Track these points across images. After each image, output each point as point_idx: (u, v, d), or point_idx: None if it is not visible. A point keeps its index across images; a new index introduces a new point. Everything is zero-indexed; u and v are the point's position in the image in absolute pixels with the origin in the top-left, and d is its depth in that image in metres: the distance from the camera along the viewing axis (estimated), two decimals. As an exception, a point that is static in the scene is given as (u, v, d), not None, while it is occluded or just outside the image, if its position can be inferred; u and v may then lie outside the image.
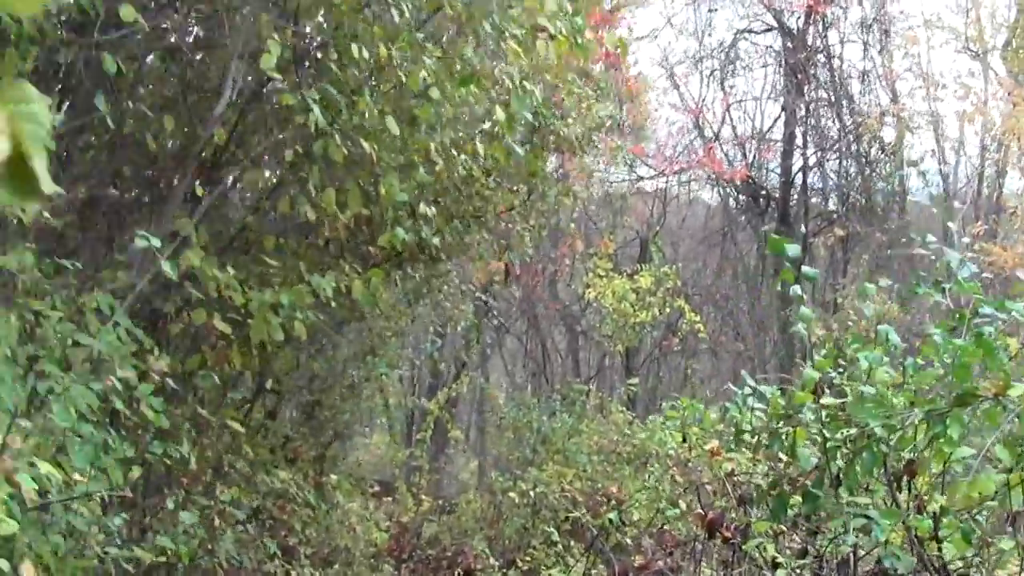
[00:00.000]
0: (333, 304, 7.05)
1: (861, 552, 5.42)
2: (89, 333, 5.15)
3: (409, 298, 12.01)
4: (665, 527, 10.26)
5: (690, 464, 8.44)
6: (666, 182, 24.88)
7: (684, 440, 7.45)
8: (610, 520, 8.81)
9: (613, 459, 14.73)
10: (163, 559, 6.54)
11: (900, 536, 5.01)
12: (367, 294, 7.33)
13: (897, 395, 4.94)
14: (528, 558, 12.98)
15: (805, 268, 4.99)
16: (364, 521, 12.50)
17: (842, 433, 4.91)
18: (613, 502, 12.97)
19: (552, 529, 11.99)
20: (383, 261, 9.05)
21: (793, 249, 4.79)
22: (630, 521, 10.42)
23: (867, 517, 4.72)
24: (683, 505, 8.61)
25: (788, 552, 6.55)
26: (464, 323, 17.86)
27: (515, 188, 10.10)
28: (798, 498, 5.46)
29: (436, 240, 8.42)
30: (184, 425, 6.67)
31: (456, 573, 14.07)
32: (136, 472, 5.48)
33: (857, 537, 4.77)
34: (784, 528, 6.05)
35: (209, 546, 7.12)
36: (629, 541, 9.93)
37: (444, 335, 18.49)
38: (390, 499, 18.26)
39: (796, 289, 5.24)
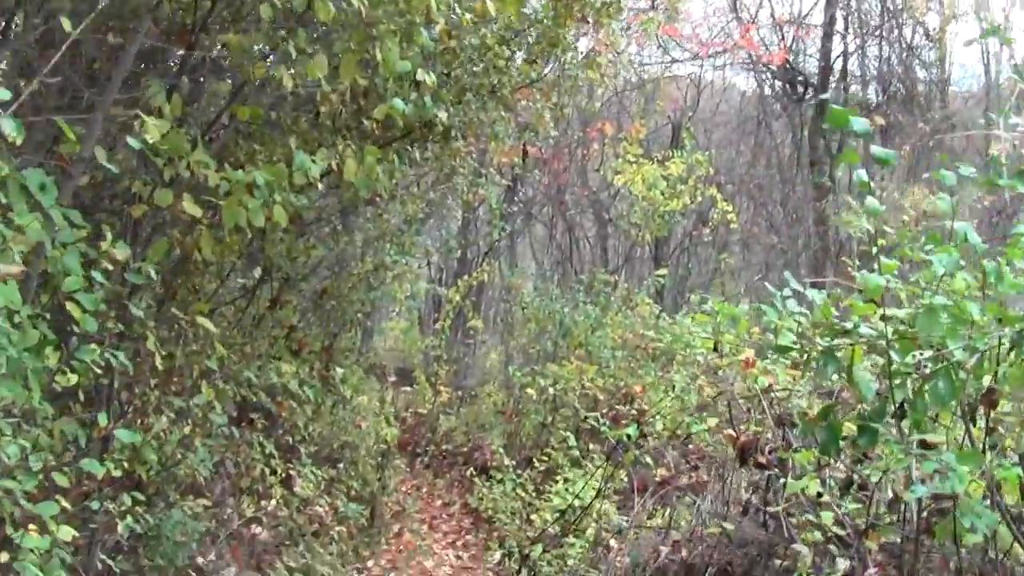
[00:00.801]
0: (320, 185, 6.11)
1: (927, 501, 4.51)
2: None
3: (420, 182, 11.08)
4: (690, 438, 9.42)
5: (720, 372, 7.55)
6: (700, 66, 23.64)
7: (715, 348, 6.50)
8: (628, 436, 7.90)
9: (638, 356, 13.86)
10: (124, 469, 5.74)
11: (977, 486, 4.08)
12: (362, 176, 6.36)
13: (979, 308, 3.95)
14: (545, 458, 12.21)
15: (878, 149, 3.94)
16: (373, 416, 11.70)
17: (914, 356, 3.95)
18: (635, 404, 12.20)
19: (570, 433, 11.14)
20: (389, 141, 8.10)
21: (860, 123, 3.76)
22: (652, 431, 9.59)
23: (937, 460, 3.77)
24: (711, 420, 7.74)
25: (830, 481, 5.68)
26: (488, 209, 16.93)
27: (535, 59, 9.04)
28: (851, 426, 4.54)
29: (443, 115, 7.43)
30: (145, 323, 5.79)
31: (469, 471, 13.36)
32: (72, 379, 4.62)
33: (924, 483, 3.82)
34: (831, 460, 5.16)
35: (179, 455, 6.30)
36: (650, 452, 9.09)
37: (468, 222, 17.56)
38: (408, 388, 17.55)
39: (856, 176, 4.22)
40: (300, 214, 9.74)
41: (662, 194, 17.68)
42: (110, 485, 5.81)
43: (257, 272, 9.26)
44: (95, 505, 5.23)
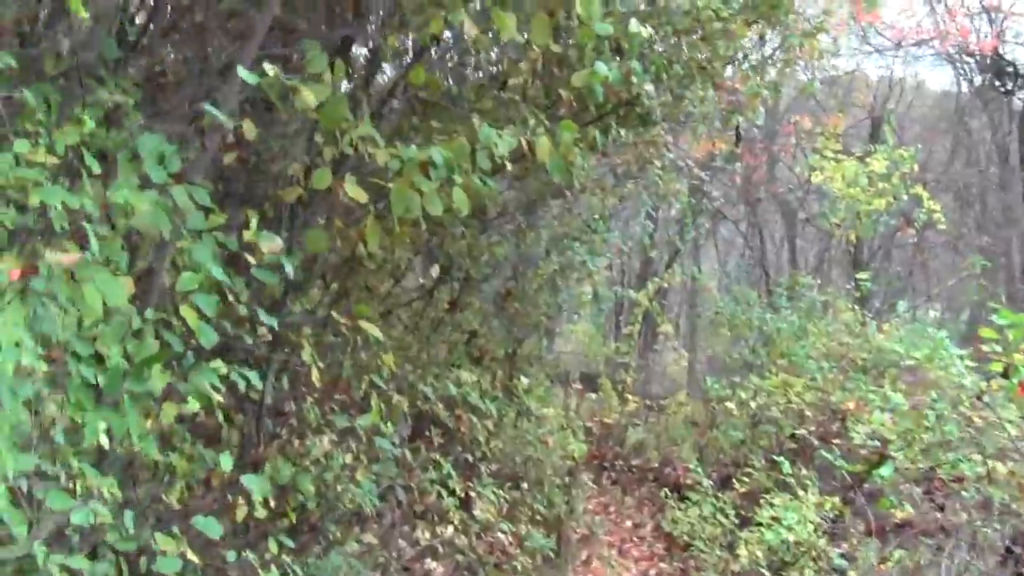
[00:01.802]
0: (508, 167, 4.94)
1: None
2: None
3: (613, 172, 9.86)
4: (934, 471, 7.95)
5: (984, 398, 6.13)
6: (896, 57, 21.80)
7: (1005, 373, 5.07)
8: (881, 476, 6.48)
9: (846, 367, 12.35)
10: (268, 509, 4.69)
11: None
12: (556, 157, 5.17)
13: None
14: (746, 478, 10.85)
15: None
16: (559, 429, 10.52)
17: None
18: (847, 421, 10.75)
19: (782, 458, 9.74)
20: (584, 123, 6.91)
21: None
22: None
23: None
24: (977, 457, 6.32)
25: None
26: (678, 206, 15.58)
27: (752, 21, 7.66)
28: None
29: (649, 87, 6.22)
30: (301, 330, 4.74)
31: (663, 491, 12.06)
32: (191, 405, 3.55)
33: None
34: None
35: (339, 486, 5.21)
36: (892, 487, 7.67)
37: (656, 220, 16.23)
38: (593, 395, 16.33)
39: None
40: (484, 205, 8.68)
41: (863, 192, 16.08)
42: (261, 524, 4.78)
43: (434, 271, 8.13)
44: (231, 556, 4.11)
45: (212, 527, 3.38)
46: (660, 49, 7.17)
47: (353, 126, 4.56)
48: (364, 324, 4.63)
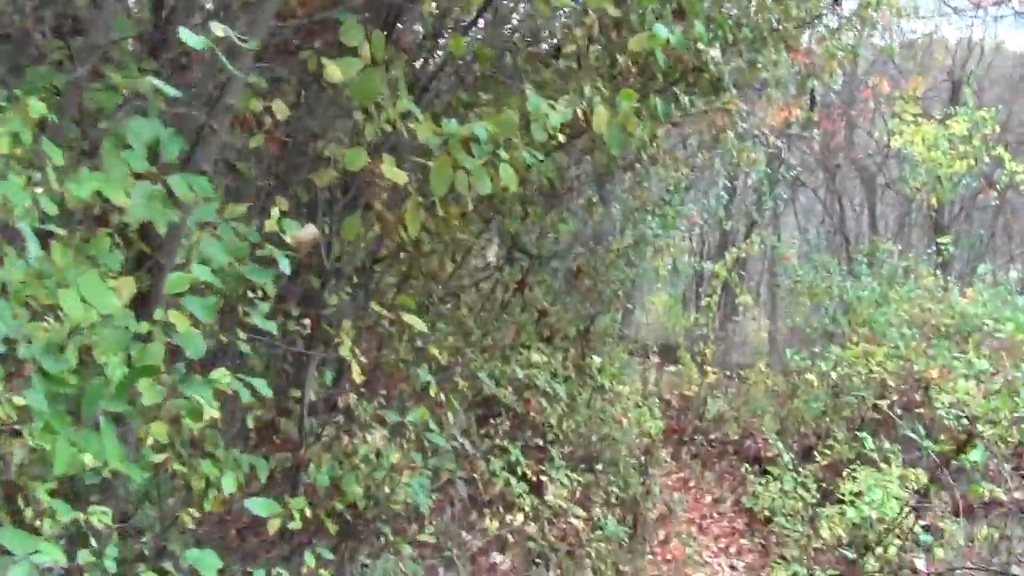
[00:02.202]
0: (559, 138, 4.39)
1: None
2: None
3: (684, 143, 9.27)
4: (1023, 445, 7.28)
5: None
6: (972, 18, 20.78)
7: None
8: (972, 461, 5.84)
9: (929, 333, 11.65)
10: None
11: None
12: (616, 129, 4.61)
13: None
14: (827, 451, 10.24)
15: None
16: (635, 407, 9.97)
17: None
18: (931, 391, 10.07)
19: (865, 433, 9.09)
20: (649, 92, 6.34)
21: None
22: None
23: None
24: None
25: None
26: (756, 175, 14.86)
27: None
28: None
29: (715, 53, 5.63)
30: (342, 321, 4.26)
31: (744, 466, 11.48)
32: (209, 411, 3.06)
33: None
34: None
35: (387, 486, 4.72)
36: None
37: (734, 190, 15.52)
38: (672, 368, 15.74)
39: None
40: (551, 182, 8.13)
41: (944, 155, 15.29)
42: (306, 530, 4.33)
43: (493, 251, 7.64)
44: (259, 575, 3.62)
45: (207, 562, 2.91)
46: (727, 11, 6.58)
47: (391, 102, 4.07)
48: (407, 317, 4.13)
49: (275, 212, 3.61)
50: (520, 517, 7.21)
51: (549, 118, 4.32)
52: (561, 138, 7.02)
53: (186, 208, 3.15)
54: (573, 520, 7.78)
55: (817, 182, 20.34)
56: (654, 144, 8.10)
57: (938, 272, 14.20)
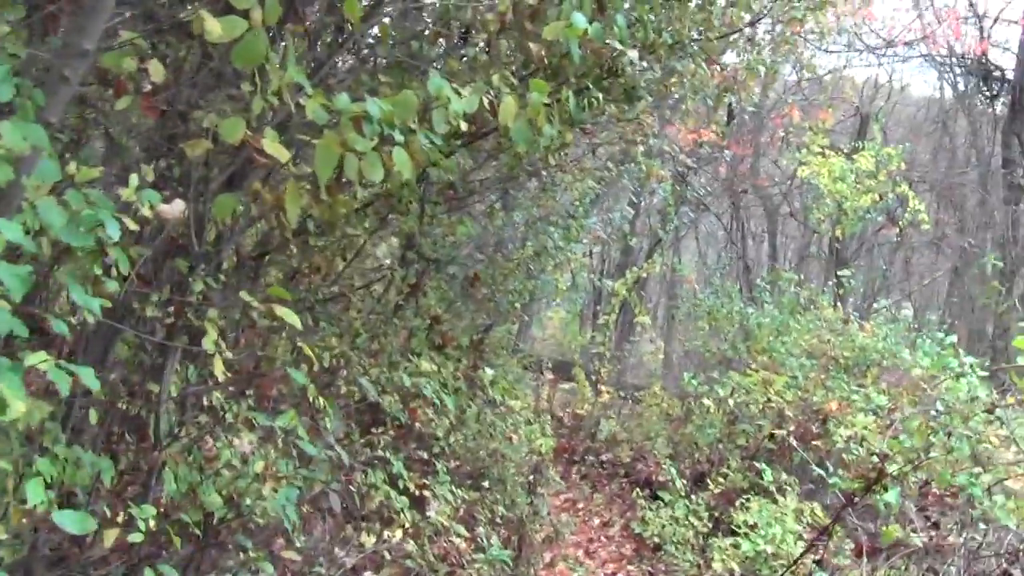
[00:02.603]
0: (461, 124, 4.00)
1: None
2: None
3: (594, 151, 8.97)
4: (928, 485, 7.08)
5: (996, 412, 5.25)
6: (881, 57, 21.17)
7: None
8: (886, 503, 5.57)
9: (828, 365, 11.53)
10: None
11: None
12: (523, 123, 4.24)
13: None
14: (721, 479, 10.02)
15: None
16: (526, 424, 9.60)
17: None
18: (828, 423, 9.91)
19: (764, 465, 8.88)
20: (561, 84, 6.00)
21: None
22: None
23: None
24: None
25: None
26: (662, 194, 14.66)
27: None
28: None
29: (633, 55, 5.30)
30: (204, 311, 3.82)
31: (635, 491, 11.21)
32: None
33: None
34: None
35: (246, 500, 4.27)
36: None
37: (638, 207, 15.28)
38: (566, 385, 15.45)
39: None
40: (452, 184, 7.76)
41: (849, 188, 15.33)
42: (156, 543, 3.88)
43: (383, 249, 7.23)
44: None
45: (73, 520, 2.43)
46: (649, 15, 6.29)
47: (279, 71, 3.65)
48: (280, 310, 3.71)
49: (133, 180, 3.18)
50: (399, 533, 6.80)
51: (452, 104, 3.96)
52: (467, 138, 6.69)
53: (26, 162, 2.72)
54: (455, 539, 7.39)
55: (721, 207, 20.28)
56: (563, 152, 7.79)
57: (837, 304, 14.16)
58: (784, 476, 8.93)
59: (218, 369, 3.77)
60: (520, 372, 11.66)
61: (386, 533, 6.69)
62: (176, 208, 3.60)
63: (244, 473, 4.34)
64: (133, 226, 3.16)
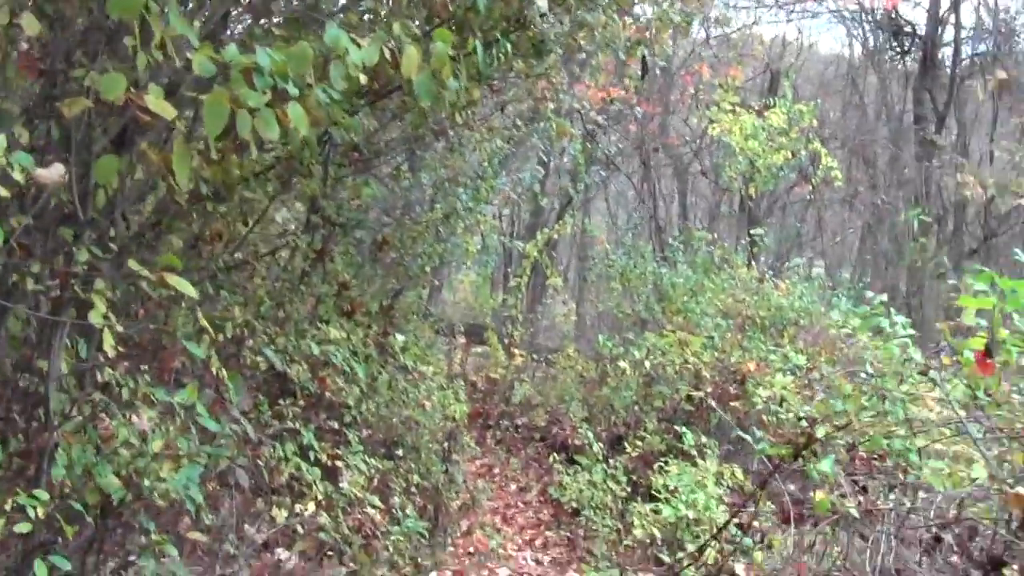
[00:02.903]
0: (362, 79, 3.81)
1: None
2: None
3: (503, 109, 8.81)
4: (856, 447, 7.03)
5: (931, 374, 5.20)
6: (790, 13, 21.31)
7: (988, 350, 4.07)
8: (821, 471, 5.47)
9: (744, 325, 11.54)
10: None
11: None
12: (427, 76, 4.06)
13: None
14: (639, 442, 9.97)
15: None
16: (439, 390, 9.45)
17: None
18: (746, 383, 9.92)
19: (684, 429, 8.84)
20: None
21: None
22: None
23: None
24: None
25: None
26: (572, 153, 14.54)
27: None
28: None
29: (542, 3, 5.15)
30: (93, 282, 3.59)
31: (551, 455, 11.12)
32: None
33: None
34: None
35: (149, 476, 4.06)
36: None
37: (548, 167, 15.11)
38: (479, 349, 15.30)
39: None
40: (356, 145, 7.54)
41: (761, 146, 15.37)
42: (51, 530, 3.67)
43: (283, 214, 7.01)
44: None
45: None
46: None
47: (160, 22, 3.43)
48: (172, 279, 3.50)
49: (1, 142, 2.95)
50: (311, 506, 6.63)
51: (350, 55, 3.77)
52: (370, 96, 6.48)
53: None
54: (370, 510, 7.23)
55: (631, 167, 20.19)
56: (471, 110, 7.61)
57: (752, 263, 14.20)
58: (704, 439, 8.90)
59: (108, 343, 3.56)
60: (432, 337, 11.48)
61: (298, 507, 6.52)
62: (55, 172, 3.38)
63: (144, 452, 4.13)
64: (3, 192, 2.94)
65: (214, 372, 5.15)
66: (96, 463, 3.90)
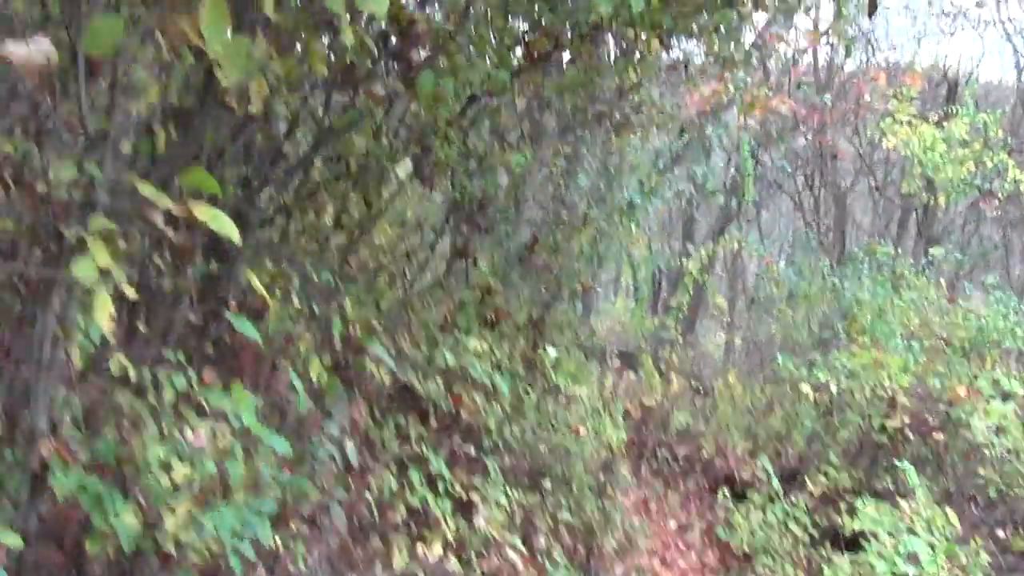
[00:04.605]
0: None
1: None
2: None
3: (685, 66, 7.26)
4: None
5: None
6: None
7: None
8: None
9: (940, 347, 9.78)
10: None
11: None
12: None
13: None
14: (823, 477, 8.33)
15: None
16: (594, 414, 7.95)
17: None
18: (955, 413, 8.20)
19: (905, 464, 7.18)
20: None
21: None
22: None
23: None
24: None
25: None
26: (741, 156, 12.89)
27: None
28: None
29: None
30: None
31: (722, 491, 9.52)
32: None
33: None
34: None
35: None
36: None
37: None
38: (632, 375, 13.71)
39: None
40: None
41: (942, 158, 13.60)
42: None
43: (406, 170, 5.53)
44: None
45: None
46: None
47: None
48: (202, 209, 2.12)
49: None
50: (438, 548, 5.21)
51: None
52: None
53: None
54: (511, 553, 5.77)
55: (792, 186, 18.36)
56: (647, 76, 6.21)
57: (940, 281, 12.44)
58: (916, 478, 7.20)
59: (101, 313, 2.18)
60: (583, 358, 9.96)
61: (420, 548, 5.12)
62: (40, 49, 2.05)
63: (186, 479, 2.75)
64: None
65: (313, 379, 3.80)
66: (103, 492, 2.53)
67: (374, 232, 5.56)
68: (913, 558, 5.88)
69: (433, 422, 5.70)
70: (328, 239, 4.80)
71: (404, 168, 4.25)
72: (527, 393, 6.83)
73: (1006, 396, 7.87)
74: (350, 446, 3.80)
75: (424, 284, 6.47)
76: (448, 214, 6.79)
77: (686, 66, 7.19)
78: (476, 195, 6.24)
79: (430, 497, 5.21)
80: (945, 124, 13.88)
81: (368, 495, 4.41)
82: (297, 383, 3.44)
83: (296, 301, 3.91)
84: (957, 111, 13.98)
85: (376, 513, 4.48)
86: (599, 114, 6.80)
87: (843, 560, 6.55)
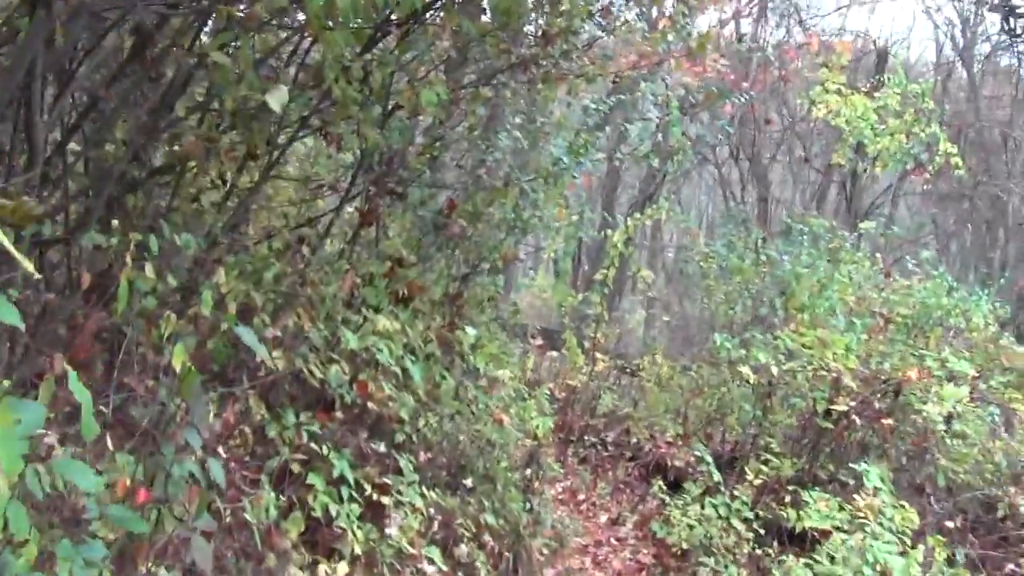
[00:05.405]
0: None
1: None
2: None
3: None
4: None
5: None
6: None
7: None
8: None
9: (881, 325, 9.17)
10: None
11: None
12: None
13: None
14: (764, 465, 7.64)
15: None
16: (519, 401, 7.11)
17: None
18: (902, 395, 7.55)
19: (865, 466, 6.45)
20: None
21: None
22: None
23: None
24: None
25: None
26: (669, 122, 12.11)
27: None
28: None
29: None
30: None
31: (656, 481, 8.78)
32: None
33: None
34: None
35: None
36: None
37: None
38: (555, 354, 12.93)
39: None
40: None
41: (872, 129, 13.05)
42: None
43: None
44: None
45: None
46: None
47: None
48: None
49: None
50: (344, 567, 4.36)
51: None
52: None
53: None
54: (427, 568, 4.92)
55: (719, 156, 17.71)
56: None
57: (876, 255, 11.90)
58: (864, 467, 6.46)
59: None
60: (505, 338, 9.08)
61: (322, 569, 4.26)
62: None
63: None
64: None
65: (174, 365, 2.92)
66: None
67: (261, 192, 4.66)
68: (875, 566, 5.11)
69: (338, 414, 4.83)
70: (199, 198, 3.89)
71: (277, 97, 3.34)
72: (443, 378, 5.96)
73: (952, 378, 7.25)
74: (213, 460, 2.91)
75: (325, 254, 5.58)
76: (354, 175, 5.92)
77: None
78: (383, 150, 5.35)
79: (333, 505, 4.36)
80: (877, 94, 13.32)
81: (248, 515, 3.52)
82: (192, 382, 2.55)
83: (149, 271, 3.01)
84: (889, 79, 13.44)
85: (258, 538, 3.58)
86: (523, 60, 5.95)
87: (795, 563, 5.78)
